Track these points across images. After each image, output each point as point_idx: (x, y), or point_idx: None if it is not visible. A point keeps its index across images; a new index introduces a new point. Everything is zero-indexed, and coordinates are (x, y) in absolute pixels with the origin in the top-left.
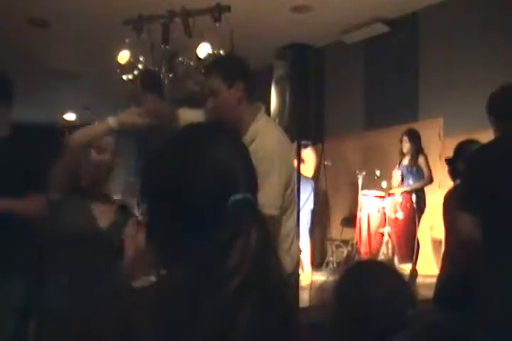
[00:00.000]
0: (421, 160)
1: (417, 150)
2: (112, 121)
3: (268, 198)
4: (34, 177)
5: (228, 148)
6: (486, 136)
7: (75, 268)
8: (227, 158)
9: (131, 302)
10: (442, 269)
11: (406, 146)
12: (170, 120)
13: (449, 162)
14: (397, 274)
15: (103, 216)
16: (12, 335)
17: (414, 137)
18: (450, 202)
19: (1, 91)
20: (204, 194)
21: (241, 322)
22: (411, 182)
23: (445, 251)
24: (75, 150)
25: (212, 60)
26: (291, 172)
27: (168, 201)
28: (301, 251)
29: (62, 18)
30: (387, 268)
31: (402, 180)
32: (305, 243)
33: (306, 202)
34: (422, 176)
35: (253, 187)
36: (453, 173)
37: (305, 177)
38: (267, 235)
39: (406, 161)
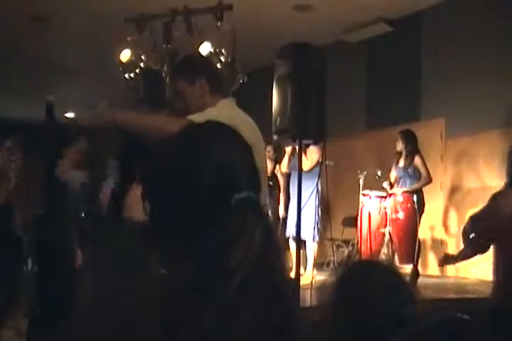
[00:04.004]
0: (417, 160)
1: (413, 151)
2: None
3: None
4: None
5: (230, 147)
6: (487, 135)
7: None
8: (229, 157)
9: (133, 300)
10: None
11: (399, 145)
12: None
13: None
14: (395, 274)
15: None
16: None
17: (409, 137)
18: None
19: None
20: (207, 193)
21: (242, 320)
22: (408, 183)
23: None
24: None
25: (176, 64)
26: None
27: (171, 201)
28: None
29: (63, 15)
30: (385, 268)
31: (398, 181)
32: (309, 241)
33: (308, 199)
34: (419, 177)
35: (256, 186)
36: None
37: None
38: (271, 233)
39: (402, 163)
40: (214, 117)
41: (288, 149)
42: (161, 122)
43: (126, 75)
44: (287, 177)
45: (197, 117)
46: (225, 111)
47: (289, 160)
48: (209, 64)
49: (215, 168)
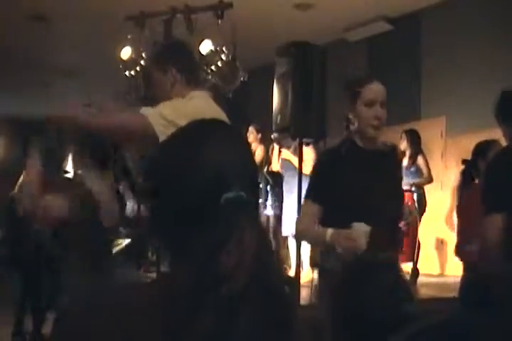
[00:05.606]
0: (420, 160)
1: (416, 151)
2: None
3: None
4: None
5: (224, 145)
6: (488, 135)
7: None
8: (221, 155)
9: (128, 300)
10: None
11: (403, 144)
12: None
13: (468, 162)
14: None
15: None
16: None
17: (413, 137)
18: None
19: None
20: (197, 193)
21: (240, 322)
22: (410, 181)
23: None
24: None
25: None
26: None
27: (166, 200)
28: None
29: (62, 13)
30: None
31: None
32: None
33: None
34: (421, 176)
35: (251, 185)
36: (471, 173)
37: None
38: (264, 233)
39: (405, 162)
40: (179, 107)
41: (276, 148)
42: (117, 121)
43: (127, 73)
44: (279, 176)
45: (150, 110)
46: (193, 101)
47: (279, 160)
48: (184, 53)
49: (204, 167)
